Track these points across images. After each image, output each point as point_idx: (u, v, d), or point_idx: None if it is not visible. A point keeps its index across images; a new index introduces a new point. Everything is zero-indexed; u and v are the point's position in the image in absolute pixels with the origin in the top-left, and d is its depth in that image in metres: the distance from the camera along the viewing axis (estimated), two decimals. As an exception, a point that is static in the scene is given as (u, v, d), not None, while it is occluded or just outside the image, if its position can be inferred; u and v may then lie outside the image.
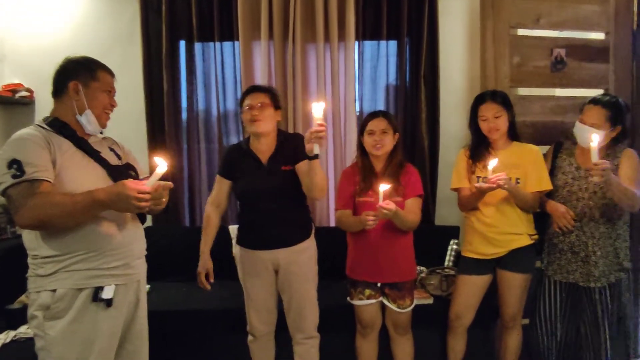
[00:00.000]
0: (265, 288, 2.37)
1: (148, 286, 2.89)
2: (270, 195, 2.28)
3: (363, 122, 2.43)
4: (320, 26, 3.18)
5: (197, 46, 3.31)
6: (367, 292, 2.41)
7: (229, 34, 3.27)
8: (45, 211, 1.55)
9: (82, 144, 1.75)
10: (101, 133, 1.88)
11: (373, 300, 2.42)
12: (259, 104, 2.26)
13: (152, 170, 1.58)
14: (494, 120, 2.38)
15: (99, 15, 3.31)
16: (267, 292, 2.38)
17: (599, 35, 3.03)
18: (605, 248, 2.33)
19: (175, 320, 2.70)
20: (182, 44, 3.33)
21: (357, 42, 3.27)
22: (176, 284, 3.05)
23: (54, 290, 1.64)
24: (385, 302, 2.43)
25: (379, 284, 2.42)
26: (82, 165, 1.71)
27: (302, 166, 2.20)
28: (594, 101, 2.34)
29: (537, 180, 2.39)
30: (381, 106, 3.42)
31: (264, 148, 2.33)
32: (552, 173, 2.45)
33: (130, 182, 1.56)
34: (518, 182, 2.37)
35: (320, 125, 1.90)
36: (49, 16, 3.28)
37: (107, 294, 1.68)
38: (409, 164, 2.47)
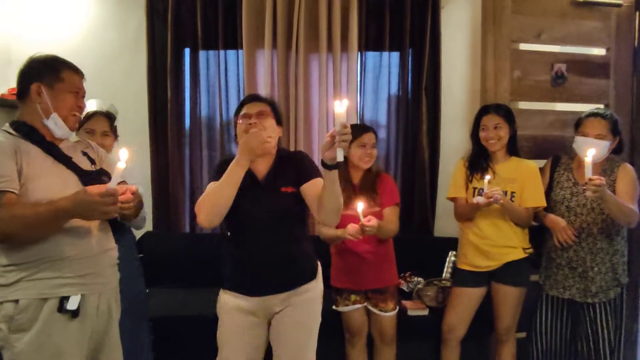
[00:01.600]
0: (251, 348, 1.94)
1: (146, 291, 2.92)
2: (268, 221, 1.88)
3: (353, 135, 2.38)
4: (324, 36, 3.22)
5: (202, 54, 3.35)
6: (352, 297, 2.44)
7: (233, 43, 3.31)
8: (8, 225, 1.47)
9: (51, 149, 1.64)
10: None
11: (358, 305, 2.44)
12: (257, 112, 1.90)
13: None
14: (493, 130, 2.42)
15: (106, 22, 3.36)
16: (255, 352, 1.96)
17: (600, 51, 3.04)
18: (603, 264, 2.33)
19: (174, 326, 2.71)
20: (187, 51, 3.37)
21: (359, 53, 3.30)
22: (175, 290, 3.06)
23: (17, 301, 1.54)
24: (370, 307, 2.46)
25: (363, 290, 2.44)
26: (52, 172, 1.61)
27: (310, 187, 1.87)
28: (594, 114, 2.35)
29: (532, 196, 2.40)
30: (383, 117, 3.44)
31: (260, 167, 1.94)
32: (550, 188, 2.46)
33: (91, 187, 1.48)
34: (513, 197, 2.39)
35: (344, 126, 1.56)
36: (55, 22, 3.33)
37: (72, 304, 1.58)
38: (384, 173, 2.52)
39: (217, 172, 1.92)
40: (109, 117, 2.32)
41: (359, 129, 2.42)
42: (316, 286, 2.00)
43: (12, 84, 3.20)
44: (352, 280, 2.42)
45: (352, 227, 2.16)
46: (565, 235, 2.32)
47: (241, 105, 1.99)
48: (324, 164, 1.69)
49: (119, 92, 3.27)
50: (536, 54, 2.93)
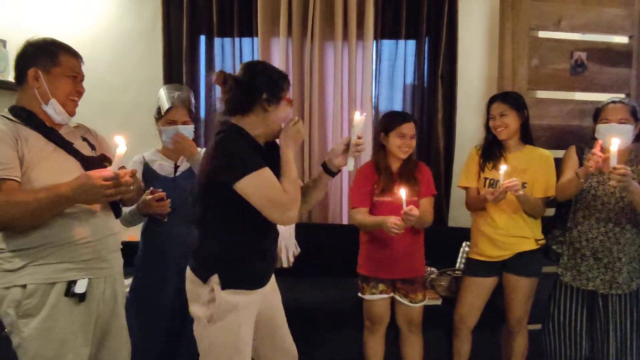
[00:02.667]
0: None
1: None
2: None
3: (391, 123, 2.37)
4: (339, 24, 3.19)
5: (217, 41, 3.35)
6: (381, 286, 2.42)
7: (248, 30, 3.30)
8: (9, 212, 1.46)
9: (52, 135, 1.62)
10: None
11: (385, 296, 2.43)
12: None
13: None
14: (499, 118, 2.39)
15: (122, 10, 3.37)
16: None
17: (622, 39, 2.97)
18: (630, 254, 2.29)
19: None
20: (202, 39, 3.37)
21: (375, 41, 3.27)
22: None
23: (24, 286, 1.54)
24: (398, 297, 2.44)
25: (392, 279, 2.43)
26: (53, 158, 1.60)
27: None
28: (614, 101, 2.32)
29: (545, 186, 2.37)
30: (398, 105, 3.41)
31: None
32: None
33: (92, 172, 1.47)
34: (525, 187, 2.36)
35: (359, 138, 1.67)
36: (73, 12, 3.35)
37: (79, 288, 1.59)
38: (422, 163, 2.51)
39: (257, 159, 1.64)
40: (188, 106, 2.36)
41: (399, 119, 2.38)
42: None
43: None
44: (382, 269, 2.40)
45: (393, 221, 2.12)
46: (593, 161, 2.08)
47: (282, 88, 1.73)
48: (326, 168, 1.73)
49: (134, 79, 3.31)
50: (555, 41, 2.88)
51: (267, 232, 1.78)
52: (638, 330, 2.34)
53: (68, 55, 1.66)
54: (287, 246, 2.77)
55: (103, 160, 1.73)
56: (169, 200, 2.16)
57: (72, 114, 1.69)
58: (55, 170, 1.57)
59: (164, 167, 2.34)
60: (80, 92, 1.70)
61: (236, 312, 1.65)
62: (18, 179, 1.51)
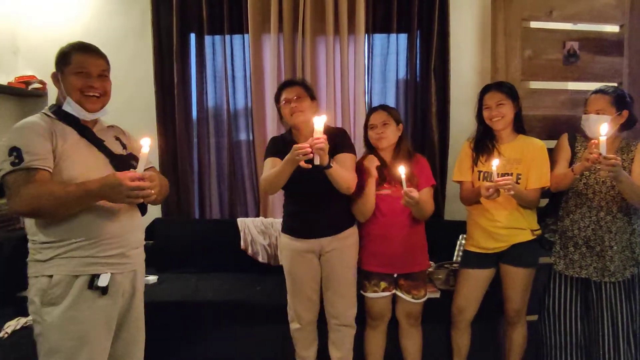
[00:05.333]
0: (310, 276, 2.38)
1: (156, 277, 2.96)
2: (315, 183, 2.24)
3: (365, 118, 2.49)
4: (330, 19, 3.17)
5: (207, 39, 3.33)
6: (383, 284, 2.41)
7: (239, 27, 3.28)
8: (39, 200, 1.56)
9: (85, 132, 1.75)
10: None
11: (387, 293, 2.42)
12: (295, 97, 2.33)
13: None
14: (496, 108, 2.37)
15: (112, 8, 3.35)
16: (313, 281, 2.39)
17: (613, 28, 2.97)
18: (621, 243, 2.30)
19: (184, 311, 2.72)
20: (193, 36, 3.34)
21: (367, 35, 3.26)
22: (185, 275, 3.08)
23: (51, 276, 1.65)
24: (399, 293, 2.44)
25: (395, 275, 2.43)
26: (85, 153, 1.71)
27: (338, 158, 2.26)
28: (595, 92, 2.36)
29: (538, 176, 2.36)
30: (391, 100, 3.40)
31: (305, 140, 2.25)
32: (572, 163, 2.39)
33: (120, 173, 1.59)
34: (519, 179, 2.35)
35: (317, 138, 1.96)
36: (61, 9, 3.32)
37: (102, 281, 1.68)
38: (418, 154, 2.50)
39: (272, 148, 2.39)
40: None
41: (369, 111, 2.48)
42: (354, 232, 2.42)
43: (19, 72, 3.27)
44: (384, 263, 2.39)
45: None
46: (590, 151, 2.09)
47: (280, 92, 2.41)
48: (339, 150, 2.18)
49: (124, 77, 3.25)
50: (548, 32, 2.88)
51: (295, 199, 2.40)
52: (631, 318, 2.35)
53: (79, 53, 1.75)
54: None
55: (131, 159, 1.83)
56: None
57: (91, 110, 1.76)
58: (84, 163, 1.68)
59: None
60: (92, 87, 1.74)
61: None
62: (50, 170, 1.62)
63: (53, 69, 1.77)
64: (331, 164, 2.12)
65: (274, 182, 2.22)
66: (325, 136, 1.98)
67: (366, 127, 2.46)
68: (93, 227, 1.68)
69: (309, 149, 1.98)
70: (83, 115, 1.75)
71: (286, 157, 2.11)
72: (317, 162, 2.02)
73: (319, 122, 1.97)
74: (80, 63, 1.73)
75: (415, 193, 2.15)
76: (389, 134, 2.38)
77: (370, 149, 2.47)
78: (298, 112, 2.32)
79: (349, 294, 2.40)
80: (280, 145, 2.37)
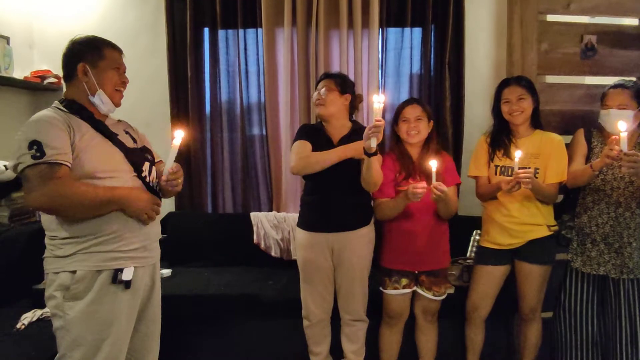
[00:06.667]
0: (324, 272, 2.38)
1: (170, 270, 2.98)
2: (337, 177, 2.28)
3: (397, 110, 2.43)
4: (344, 13, 3.15)
5: (221, 33, 3.32)
6: (404, 281, 2.39)
7: (252, 21, 3.27)
8: (64, 199, 1.57)
9: (99, 126, 1.75)
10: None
11: (407, 290, 2.41)
12: (324, 88, 2.36)
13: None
14: (517, 102, 2.34)
15: (126, 2, 3.36)
16: (325, 277, 2.39)
17: (632, 21, 2.92)
18: None
19: (197, 305, 2.73)
20: (206, 31, 3.34)
21: (381, 29, 3.23)
22: (198, 269, 3.10)
23: (74, 272, 1.64)
24: (420, 290, 2.42)
25: (416, 272, 2.41)
26: (101, 147, 1.71)
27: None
28: (614, 86, 2.31)
29: (557, 171, 2.33)
30: (405, 94, 3.37)
31: (334, 131, 2.39)
32: (588, 158, 2.37)
33: (152, 195, 1.75)
34: (537, 173, 2.32)
35: (378, 120, 1.94)
36: (76, 4, 3.34)
37: (126, 275, 1.69)
38: (444, 152, 2.48)
39: (303, 133, 2.41)
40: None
41: (402, 105, 2.42)
42: (370, 231, 2.41)
43: (35, 67, 3.29)
44: (406, 261, 2.37)
45: (414, 185, 2.11)
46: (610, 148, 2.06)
47: (317, 82, 2.47)
48: (364, 151, 2.07)
49: (138, 72, 3.28)
50: (565, 25, 2.83)
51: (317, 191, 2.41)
52: None
53: (111, 49, 1.79)
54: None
55: (145, 152, 1.88)
56: None
57: (117, 104, 1.81)
58: (102, 157, 1.70)
59: None
60: (124, 83, 1.82)
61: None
62: (70, 165, 1.62)
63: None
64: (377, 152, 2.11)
65: (315, 167, 2.26)
66: (383, 121, 1.97)
67: (396, 120, 2.41)
68: (116, 221, 1.69)
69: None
70: (109, 109, 1.78)
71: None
72: (373, 144, 1.99)
73: (378, 102, 1.93)
74: (116, 59, 1.79)
75: (443, 186, 2.12)
76: (422, 129, 2.35)
77: (399, 143, 2.43)
78: (320, 105, 2.36)
79: (361, 291, 2.41)
80: (311, 131, 2.42)
